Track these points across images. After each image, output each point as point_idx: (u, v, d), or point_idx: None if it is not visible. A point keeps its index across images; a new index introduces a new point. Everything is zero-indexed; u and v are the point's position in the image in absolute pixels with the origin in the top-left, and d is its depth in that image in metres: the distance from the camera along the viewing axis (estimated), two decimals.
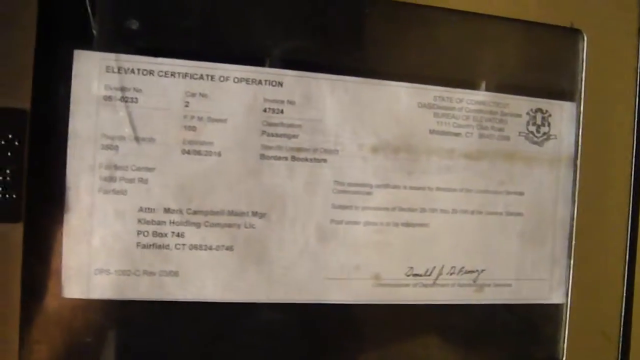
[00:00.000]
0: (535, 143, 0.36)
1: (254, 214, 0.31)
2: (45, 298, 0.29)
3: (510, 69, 0.36)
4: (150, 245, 0.30)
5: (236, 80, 0.31)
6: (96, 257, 0.29)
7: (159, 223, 0.30)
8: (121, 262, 0.30)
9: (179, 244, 0.30)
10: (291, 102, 0.32)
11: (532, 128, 0.36)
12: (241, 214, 0.31)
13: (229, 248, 0.31)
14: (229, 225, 0.31)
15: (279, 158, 0.32)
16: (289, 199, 0.32)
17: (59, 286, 0.29)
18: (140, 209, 0.30)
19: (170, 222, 0.30)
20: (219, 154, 0.31)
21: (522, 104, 0.36)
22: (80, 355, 0.30)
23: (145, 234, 0.30)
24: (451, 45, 0.35)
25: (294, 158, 0.32)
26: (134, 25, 0.30)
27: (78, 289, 0.29)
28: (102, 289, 0.29)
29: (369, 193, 0.33)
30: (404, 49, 0.34)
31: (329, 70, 0.32)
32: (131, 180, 0.30)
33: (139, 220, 0.30)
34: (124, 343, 0.31)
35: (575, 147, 0.36)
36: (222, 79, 0.31)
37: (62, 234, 0.29)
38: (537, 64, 0.36)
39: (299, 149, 0.32)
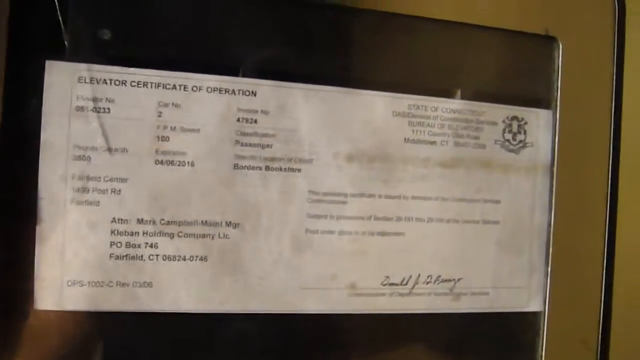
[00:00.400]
0: (511, 151, 0.36)
1: (228, 224, 0.31)
2: (17, 311, 0.29)
3: (485, 77, 0.36)
4: (123, 256, 0.30)
5: (209, 90, 0.31)
6: (69, 268, 0.29)
7: (132, 234, 0.30)
8: (94, 273, 0.29)
9: (152, 255, 0.30)
10: (265, 112, 0.32)
11: (508, 136, 0.36)
12: (215, 224, 0.31)
13: (203, 258, 0.31)
14: (203, 236, 0.31)
15: (253, 168, 0.31)
16: (263, 209, 0.32)
17: (31, 298, 0.29)
18: (113, 220, 0.30)
19: (143, 233, 0.30)
20: (192, 164, 0.31)
21: (497, 112, 0.35)
22: None
23: (119, 245, 0.30)
24: (426, 54, 0.35)
25: (268, 168, 0.32)
26: (106, 35, 0.30)
27: (51, 301, 0.29)
28: (76, 300, 0.29)
29: (344, 202, 0.33)
30: (379, 58, 0.34)
31: (303, 79, 0.32)
32: (104, 191, 0.30)
33: (112, 232, 0.30)
34: (99, 355, 0.30)
35: (551, 154, 0.36)
36: (195, 88, 0.31)
37: (34, 246, 0.29)
38: (513, 72, 0.36)
39: (273, 159, 0.32)
